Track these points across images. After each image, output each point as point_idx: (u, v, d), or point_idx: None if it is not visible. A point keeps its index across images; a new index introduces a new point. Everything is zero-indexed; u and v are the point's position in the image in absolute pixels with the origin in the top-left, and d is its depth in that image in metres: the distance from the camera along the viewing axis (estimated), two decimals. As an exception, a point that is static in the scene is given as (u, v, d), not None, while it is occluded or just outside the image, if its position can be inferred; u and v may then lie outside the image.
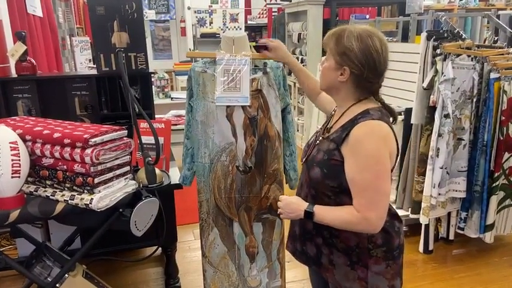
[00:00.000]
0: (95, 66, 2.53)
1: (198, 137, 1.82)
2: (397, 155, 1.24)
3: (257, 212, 1.88)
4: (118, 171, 1.56)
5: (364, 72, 1.18)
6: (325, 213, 1.23)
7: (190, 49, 6.74)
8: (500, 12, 3.57)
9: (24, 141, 1.51)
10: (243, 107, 1.76)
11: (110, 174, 1.52)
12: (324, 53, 4.62)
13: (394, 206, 1.41)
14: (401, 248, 1.31)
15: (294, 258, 1.47)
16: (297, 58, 5.18)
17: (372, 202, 1.16)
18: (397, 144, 1.23)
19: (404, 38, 4.33)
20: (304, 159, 1.37)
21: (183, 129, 1.98)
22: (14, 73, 2.28)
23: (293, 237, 1.46)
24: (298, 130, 5.15)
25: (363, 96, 1.24)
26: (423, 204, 2.60)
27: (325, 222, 1.23)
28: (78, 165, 1.44)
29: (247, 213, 1.88)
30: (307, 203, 1.28)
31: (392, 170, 1.22)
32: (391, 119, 1.25)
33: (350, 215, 1.18)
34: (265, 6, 7.98)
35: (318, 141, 1.32)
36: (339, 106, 1.31)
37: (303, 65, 4.91)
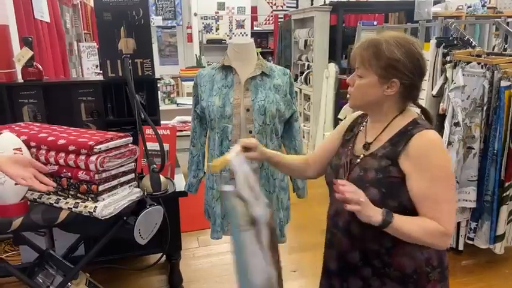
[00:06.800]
0: (101, 71, 2.53)
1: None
2: None
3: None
4: (123, 179, 1.54)
5: (415, 80, 1.12)
6: (405, 221, 1.08)
7: (196, 55, 6.75)
8: (509, 19, 3.54)
9: (29, 147, 1.49)
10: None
11: (115, 182, 1.50)
12: (330, 59, 4.63)
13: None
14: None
15: None
16: (303, 65, 5.17)
17: (450, 215, 1.10)
18: None
19: (412, 45, 4.29)
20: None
21: (188, 136, 1.96)
22: (20, 78, 2.27)
23: (328, 273, 1.32)
24: (304, 137, 5.11)
25: (406, 105, 1.18)
26: (432, 214, 2.55)
27: (401, 231, 1.08)
28: (82, 173, 1.43)
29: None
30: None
31: None
32: None
33: (435, 227, 1.07)
34: (271, 12, 8.00)
35: (358, 160, 1.18)
36: (377, 121, 1.19)
37: (309, 72, 4.89)
